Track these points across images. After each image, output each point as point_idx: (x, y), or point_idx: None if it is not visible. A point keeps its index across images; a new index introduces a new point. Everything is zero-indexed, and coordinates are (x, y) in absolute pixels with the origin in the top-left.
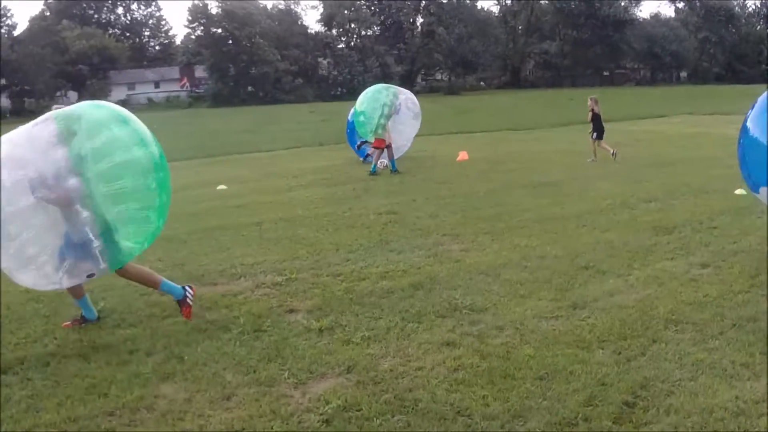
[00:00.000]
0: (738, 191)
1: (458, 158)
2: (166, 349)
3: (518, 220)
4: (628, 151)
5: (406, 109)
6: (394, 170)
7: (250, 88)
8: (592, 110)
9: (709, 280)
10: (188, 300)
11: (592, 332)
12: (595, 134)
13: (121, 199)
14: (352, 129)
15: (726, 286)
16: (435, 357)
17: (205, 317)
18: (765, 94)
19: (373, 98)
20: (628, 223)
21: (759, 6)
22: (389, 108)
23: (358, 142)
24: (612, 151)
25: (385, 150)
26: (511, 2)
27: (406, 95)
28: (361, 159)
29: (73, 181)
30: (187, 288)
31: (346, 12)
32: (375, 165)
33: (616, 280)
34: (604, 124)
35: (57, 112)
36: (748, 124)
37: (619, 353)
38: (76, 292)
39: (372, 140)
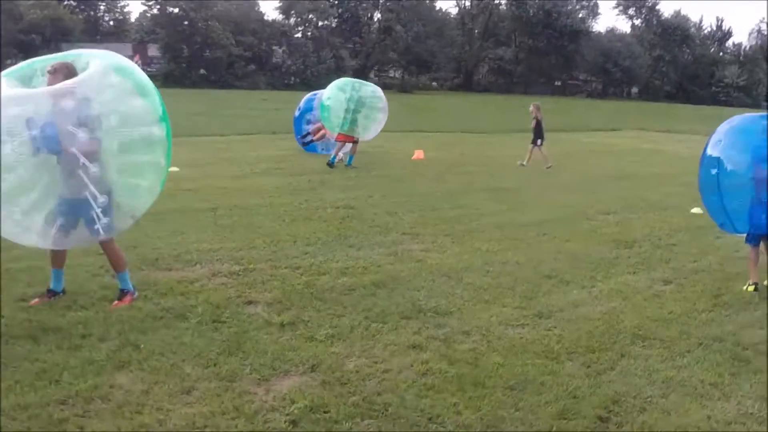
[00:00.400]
0: (694, 210)
1: (414, 157)
2: (120, 335)
3: (477, 224)
4: (584, 163)
5: (371, 103)
6: (349, 165)
7: (202, 71)
8: (536, 117)
9: (672, 296)
10: (129, 298)
11: (560, 343)
12: (539, 141)
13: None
14: (299, 119)
15: (690, 304)
16: (402, 360)
17: (161, 304)
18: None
19: (336, 95)
20: (589, 235)
21: (714, 29)
22: (354, 103)
23: (304, 133)
24: (549, 164)
25: (348, 145)
26: (470, 5)
27: (372, 88)
28: (305, 150)
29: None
30: (136, 291)
31: (305, 1)
32: (334, 157)
33: (580, 291)
34: (545, 132)
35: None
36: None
37: (589, 366)
38: (58, 259)
39: (335, 134)
